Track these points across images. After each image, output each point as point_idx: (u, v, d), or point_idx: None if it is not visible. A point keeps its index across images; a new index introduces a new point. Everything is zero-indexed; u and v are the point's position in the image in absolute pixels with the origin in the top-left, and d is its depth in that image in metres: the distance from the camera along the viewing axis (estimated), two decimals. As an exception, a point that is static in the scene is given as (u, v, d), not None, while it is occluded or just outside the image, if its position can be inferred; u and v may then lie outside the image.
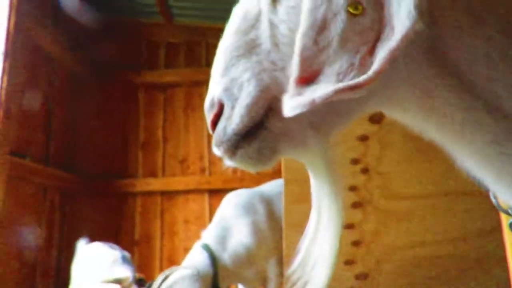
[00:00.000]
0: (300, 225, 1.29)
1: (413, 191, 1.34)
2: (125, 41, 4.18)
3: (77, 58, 3.77)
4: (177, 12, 4.00)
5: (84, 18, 3.60)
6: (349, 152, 1.36)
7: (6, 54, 2.50)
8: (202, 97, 4.09)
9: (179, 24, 4.13)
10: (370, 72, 0.42)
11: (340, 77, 0.44)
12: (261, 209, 2.27)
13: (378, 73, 0.41)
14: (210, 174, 3.97)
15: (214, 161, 3.93)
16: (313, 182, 0.66)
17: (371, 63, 0.43)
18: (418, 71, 0.52)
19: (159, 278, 1.84)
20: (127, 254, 2.19)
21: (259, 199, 2.31)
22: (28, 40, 2.94)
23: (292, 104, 0.45)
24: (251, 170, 0.63)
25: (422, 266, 1.29)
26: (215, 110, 0.62)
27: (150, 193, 3.91)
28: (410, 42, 0.42)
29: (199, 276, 1.83)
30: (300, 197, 1.30)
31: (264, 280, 2.23)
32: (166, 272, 1.94)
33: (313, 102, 0.43)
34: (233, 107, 0.60)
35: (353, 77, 0.43)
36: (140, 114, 4.10)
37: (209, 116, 0.64)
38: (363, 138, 1.37)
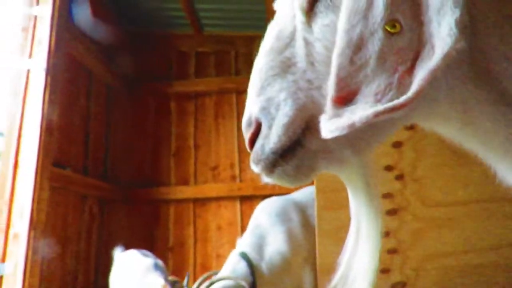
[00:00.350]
0: (333, 233, 1.28)
1: (450, 197, 1.30)
2: (156, 53, 4.29)
3: (111, 71, 3.92)
4: (206, 23, 4.07)
5: (116, 32, 3.73)
6: (383, 159, 1.34)
7: (48, 70, 2.62)
8: (231, 105, 4.14)
9: (208, 34, 4.20)
10: (409, 93, 0.41)
11: (378, 97, 0.43)
12: (295, 216, 2.24)
13: (418, 94, 0.40)
14: (241, 180, 4.00)
15: (244, 168, 3.96)
16: (351, 196, 0.66)
17: (410, 82, 0.41)
18: (459, 86, 0.51)
19: (203, 286, 1.80)
20: (159, 261, 2.23)
21: (293, 207, 2.28)
22: (68, 56, 3.07)
23: (331, 126, 0.45)
24: (289, 186, 0.63)
25: (464, 275, 1.24)
26: (252, 129, 0.62)
27: (182, 201, 3.98)
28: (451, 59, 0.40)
29: None
30: (332, 204, 1.30)
31: (299, 289, 2.21)
32: (205, 275, 1.93)
33: (353, 125, 0.43)
34: (270, 126, 0.60)
35: (392, 97, 0.42)
36: (172, 123, 4.18)
37: (247, 135, 0.64)
38: (397, 145, 1.34)
